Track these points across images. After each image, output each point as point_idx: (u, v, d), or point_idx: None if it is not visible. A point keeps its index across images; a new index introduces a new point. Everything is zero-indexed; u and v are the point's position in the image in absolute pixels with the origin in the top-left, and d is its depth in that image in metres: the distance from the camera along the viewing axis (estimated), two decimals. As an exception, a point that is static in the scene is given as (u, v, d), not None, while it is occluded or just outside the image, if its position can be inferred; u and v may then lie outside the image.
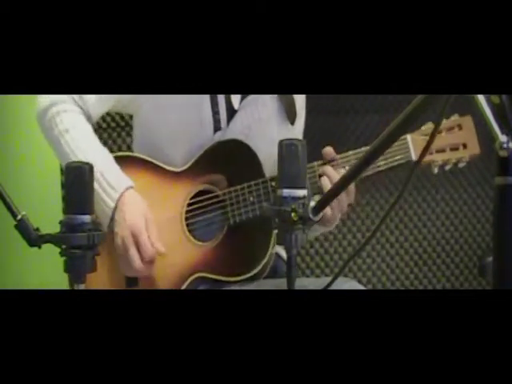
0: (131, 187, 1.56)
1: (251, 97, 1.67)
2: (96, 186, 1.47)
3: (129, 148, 2.30)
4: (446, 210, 2.53)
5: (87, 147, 1.57)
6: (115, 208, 1.53)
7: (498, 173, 0.89)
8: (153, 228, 1.55)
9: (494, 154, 0.89)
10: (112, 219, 1.54)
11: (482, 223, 2.53)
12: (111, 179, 1.54)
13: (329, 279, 1.21)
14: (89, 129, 1.61)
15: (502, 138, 0.88)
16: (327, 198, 1.16)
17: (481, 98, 0.90)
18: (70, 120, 1.59)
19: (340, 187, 1.18)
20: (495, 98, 0.89)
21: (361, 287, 1.56)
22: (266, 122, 1.67)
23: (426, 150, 1.11)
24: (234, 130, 1.64)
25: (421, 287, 2.52)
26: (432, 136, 1.08)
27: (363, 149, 1.54)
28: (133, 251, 1.52)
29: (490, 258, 0.91)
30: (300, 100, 1.75)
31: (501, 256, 0.90)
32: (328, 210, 1.52)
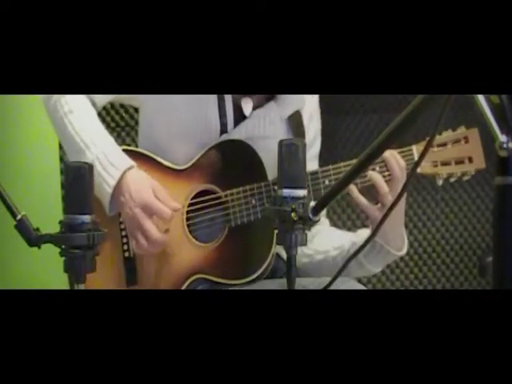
0: (133, 167, 1.54)
1: (261, 110, 1.63)
2: (97, 165, 1.48)
3: (129, 148, 2.30)
4: (446, 210, 2.53)
5: (91, 129, 1.57)
6: (116, 186, 1.51)
7: (498, 173, 0.89)
8: (162, 193, 1.54)
9: (494, 154, 0.89)
10: (113, 197, 1.52)
11: (482, 223, 2.53)
12: (113, 159, 1.52)
13: (329, 279, 1.21)
14: (93, 111, 1.61)
15: (502, 137, 0.88)
16: (327, 198, 1.16)
17: (481, 98, 0.90)
18: (75, 102, 1.58)
19: (339, 188, 1.18)
20: (495, 98, 0.89)
21: (361, 287, 1.56)
22: (269, 141, 1.61)
23: (425, 150, 1.11)
24: (240, 135, 1.61)
25: (421, 287, 2.52)
26: (432, 136, 1.08)
27: (353, 161, 1.52)
28: (148, 224, 1.51)
29: (490, 258, 0.91)
30: (313, 127, 1.71)
31: (501, 256, 0.90)
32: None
